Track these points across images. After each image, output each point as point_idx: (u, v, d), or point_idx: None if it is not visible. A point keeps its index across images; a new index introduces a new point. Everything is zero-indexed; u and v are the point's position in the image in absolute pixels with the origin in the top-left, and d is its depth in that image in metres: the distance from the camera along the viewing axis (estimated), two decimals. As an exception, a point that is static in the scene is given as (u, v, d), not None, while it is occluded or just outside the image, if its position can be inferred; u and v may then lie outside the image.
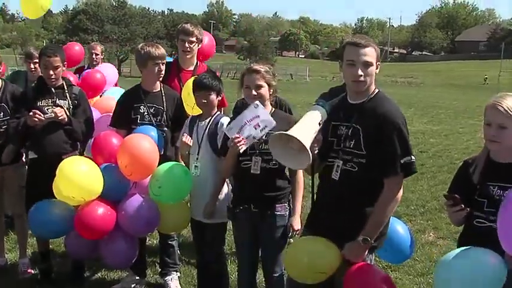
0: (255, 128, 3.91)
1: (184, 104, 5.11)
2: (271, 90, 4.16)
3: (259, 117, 3.91)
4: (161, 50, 4.94)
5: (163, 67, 4.95)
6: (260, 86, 4.08)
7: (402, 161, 3.36)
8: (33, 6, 6.15)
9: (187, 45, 5.42)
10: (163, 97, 5.02)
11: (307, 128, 3.43)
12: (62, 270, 5.62)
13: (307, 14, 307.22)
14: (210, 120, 4.60)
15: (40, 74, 6.41)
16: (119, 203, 4.57)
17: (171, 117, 5.03)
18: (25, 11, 6.27)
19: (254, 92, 4.08)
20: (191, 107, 5.01)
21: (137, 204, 4.50)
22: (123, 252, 4.70)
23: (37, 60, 6.35)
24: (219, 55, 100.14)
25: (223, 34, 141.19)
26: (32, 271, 5.58)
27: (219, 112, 4.73)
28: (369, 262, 3.61)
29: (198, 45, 5.54)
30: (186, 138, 4.56)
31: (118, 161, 4.48)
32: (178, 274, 5.35)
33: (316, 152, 3.52)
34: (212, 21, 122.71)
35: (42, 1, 6.25)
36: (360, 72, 3.39)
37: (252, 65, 4.22)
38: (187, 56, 5.51)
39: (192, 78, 5.02)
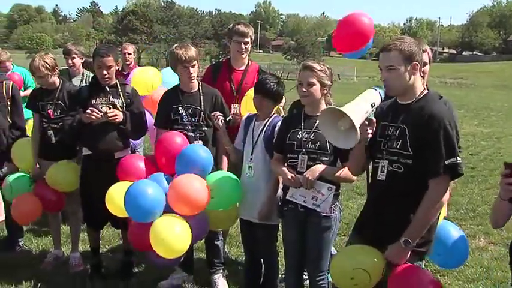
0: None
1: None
2: (325, 90, 4.13)
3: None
4: (189, 53, 4.87)
5: (192, 69, 4.90)
6: (311, 84, 4.05)
7: (447, 162, 3.29)
8: (143, 84, 6.31)
9: (243, 46, 5.39)
10: (201, 97, 5.02)
11: (358, 107, 3.37)
12: (112, 265, 5.74)
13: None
14: (267, 122, 4.59)
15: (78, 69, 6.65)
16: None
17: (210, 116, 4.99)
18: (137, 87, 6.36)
19: (304, 89, 4.06)
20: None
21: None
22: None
23: (74, 56, 6.59)
24: (266, 55, 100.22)
25: (271, 34, 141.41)
26: (83, 266, 5.73)
27: (276, 114, 4.69)
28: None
29: (251, 46, 5.53)
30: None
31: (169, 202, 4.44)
32: (226, 273, 5.38)
33: (369, 135, 3.48)
34: (259, 21, 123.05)
35: (152, 80, 6.42)
36: (384, 77, 3.45)
37: (307, 61, 4.18)
38: (243, 56, 5.50)
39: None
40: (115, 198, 4.59)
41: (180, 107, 4.96)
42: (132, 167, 4.78)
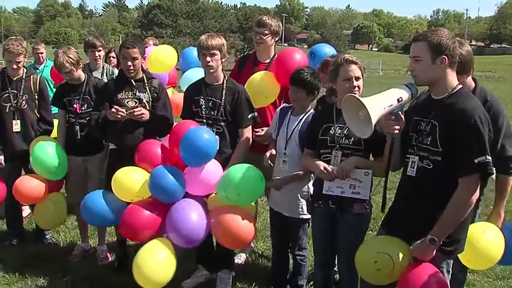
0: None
1: (256, 93, 5.07)
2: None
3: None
4: (210, 41, 4.75)
5: (209, 58, 4.76)
6: (358, 78, 4.01)
7: (476, 161, 3.21)
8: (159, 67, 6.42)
9: (258, 36, 5.37)
10: (224, 90, 4.91)
11: (380, 100, 3.35)
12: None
13: (381, 6, 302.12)
14: (303, 117, 4.55)
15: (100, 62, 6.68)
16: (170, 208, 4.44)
17: (230, 112, 4.90)
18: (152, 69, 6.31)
19: (355, 83, 3.99)
20: (265, 96, 5.00)
21: (185, 214, 4.33)
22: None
23: (100, 48, 6.60)
24: (291, 49, 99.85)
25: (295, 27, 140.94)
26: (110, 258, 5.79)
27: (312, 110, 4.63)
28: (443, 267, 3.52)
29: (273, 38, 5.45)
30: (270, 156, 4.58)
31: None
32: (233, 273, 5.22)
33: (395, 131, 3.45)
34: (284, 15, 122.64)
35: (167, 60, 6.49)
36: (411, 67, 3.45)
37: (348, 55, 4.09)
38: (259, 47, 5.46)
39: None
40: (122, 182, 4.62)
41: (202, 99, 4.90)
42: (150, 153, 4.72)
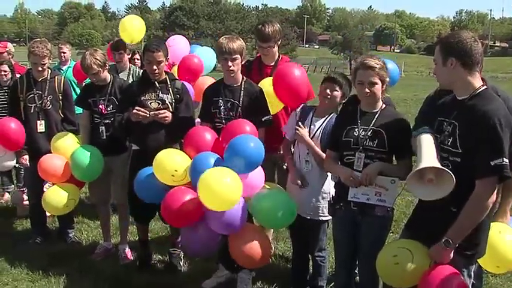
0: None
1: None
2: (384, 86, 4.03)
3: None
4: (230, 45, 4.77)
5: (231, 63, 4.81)
6: (374, 83, 3.96)
7: (493, 163, 3.17)
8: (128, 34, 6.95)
9: (264, 51, 5.37)
10: (242, 92, 4.94)
11: (431, 152, 3.37)
12: (160, 258, 5.83)
13: (403, 7, 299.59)
14: (326, 119, 4.55)
15: (124, 64, 6.74)
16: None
17: (247, 113, 4.91)
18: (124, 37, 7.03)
19: (367, 90, 3.96)
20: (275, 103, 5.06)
21: None
22: (201, 242, 4.68)
23: (122, 51, 6.65)
24: (312, 50, 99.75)
25: (317, 29, 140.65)
26: (131, 257, 5.84)
27: (334, 113, 4.63)
28: (464, 271, 3.48)
29: (277, 44, 5.40)
30: (303, 130, 4.57)
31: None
32: (253, 274, 5.22)
33: None
34: (306, 16, 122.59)
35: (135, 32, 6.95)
36: (433, 71, 3.55)
37: (367, 59, 4.02)
38: (266, 57, 5.48)
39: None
40: (165, 163, 4.69)
41: (220, 100, 4.94)
42: (199, 139, 4.76)
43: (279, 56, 5.52)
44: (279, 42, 5.44)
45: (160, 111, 5.04)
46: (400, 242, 3.69)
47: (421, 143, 3.46)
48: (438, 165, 3.23)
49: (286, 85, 4.98)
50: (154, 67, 5.11)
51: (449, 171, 3.18)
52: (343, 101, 4.61)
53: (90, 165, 5.48)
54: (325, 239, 4.77)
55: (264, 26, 5.29)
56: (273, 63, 5.46)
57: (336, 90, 4.50)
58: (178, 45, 6.58)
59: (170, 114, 5.09)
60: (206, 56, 6.58)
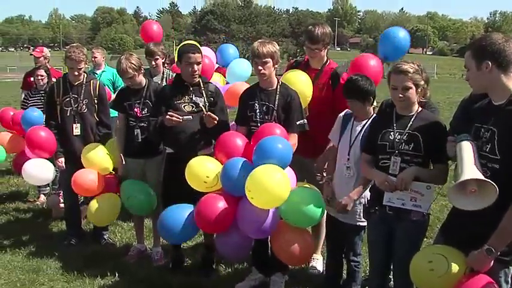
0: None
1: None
2: (419, 90, 3.96)
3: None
4: (262, 49, 4.79)
5: (261, 67, 4.82)
6: (407, 88, 3.90)
7: None
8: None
9: (312, 53, 5.30)
10: (277, 95, 4.95)
11: (470, 161, 3.29)
12: (193, 261, 5.85)
13: (435, 8, 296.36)
14: (365, 124, 4.51)
15: (160, 69, 6.76)
16: (241, 200, 4.55)
17: (282, 116, 4.91)
18: None
19: (400, 94, 3.92)
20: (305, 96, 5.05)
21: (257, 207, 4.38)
22: (235, 245, 4.71)
23: (157, 57, 6.67)
24: (343, 53, 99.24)
25: (348, 31, 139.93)
26: (164, 260, 5.87)
27: (375, 115, 4.57)
28: (501, 277, 3.41)
29: (326, 48, 5.33)
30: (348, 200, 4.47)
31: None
32: (287, 278, 5.23)
33: None
34: (336, 19, 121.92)
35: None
36: (465, 77, 3.47)
37: (400, 64, 3.97)
38: (312, 60, 5.41)
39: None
40: (197, 170, 4.73)
41: (256, 103, 4.95)
42: (230, 144, 4.78)
43: (326, 61, 5.43)
44: (328, 47, 5.39)
45: (212, 116, 5.07)
46: (435, 248, 3.63)
47: (461, 151, 3.39)
48: (481, 176, 3.16)
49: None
50: (195, 68, 5.17)
51: (492, 182, 3.11)
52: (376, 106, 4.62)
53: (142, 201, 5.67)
54: (360, 244, 4.73)
55: (314, 27, 5.26)
56: (319, 67, 5.37)
57: (355, 103, 4.48)
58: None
59: (216, 118, 5.10)
60: (241, 67, 6.66)
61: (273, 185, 4.19)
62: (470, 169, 3.23)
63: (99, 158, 5.83)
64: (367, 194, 4.40)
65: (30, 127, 6.53)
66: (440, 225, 4.01)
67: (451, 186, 3.30)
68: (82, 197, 6.65)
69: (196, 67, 5.17)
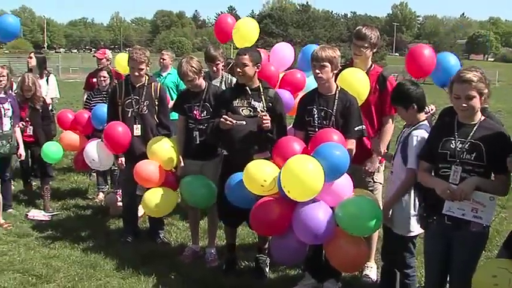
0: None
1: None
2: (483, 98, 3.85)
3: None
4: (320, 53, 4.81)
5: (318, 70, 4.82)
6: (471, 97, 3.79)
7: None
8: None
9: (356, 49, 5.30)
10: (336, 100, 4.93)
11: None
12: (246, 263, 5.88)
13: (498, 13, 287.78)
14: (411, 130, 4.41)
15: (220, 74, 6.79)
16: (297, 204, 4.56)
17: (341, 122, 4.89)
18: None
19: (464, 104, 3.81)
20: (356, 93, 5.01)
21: (313, 212, 4.43)
22: (291, 249, 4.70)
23: (218, 62, 6.72)
24: (402, 58, 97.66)
25: (407, 37, 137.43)
26: (218, 261, 5.91)
27: (426, 122, 4.48)
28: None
29: (372, 50, 5.33)
30: None
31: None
32: (340, 284, 5.22)
33: None
34: (395, 24, 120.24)
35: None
36: None
37: (463, 73, 3.86)
38: (356, 59, 5.38)
39: None
40: (254, 173, 4.73)
41: (314, 108, 4.94)
42: (288, 149, 4.79)
43: (371, 65, 5.40)
44: (374, 51, 5.36)
45: (265, 116, 5.12)
46: (499, 262, 3.52)
47: None
48: None
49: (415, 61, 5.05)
50: (239, 69, 5.23)
51: None
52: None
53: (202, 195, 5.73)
54: (411, 257, 4.60)
55: (362, 26, 5.36)
56: (365, 71, 5.32)
57: (400, 111, 4.49)
58: (282, 52, 6.59)
59: (269, 123, 5.14)
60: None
61: (305, 174, 4.24)
62: None
63: (164, 150, 5.91)
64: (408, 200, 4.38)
65: (100, 123, 6.80)
66: (499, 238, 3.90)
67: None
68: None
69: (239, 69, 5.23)
